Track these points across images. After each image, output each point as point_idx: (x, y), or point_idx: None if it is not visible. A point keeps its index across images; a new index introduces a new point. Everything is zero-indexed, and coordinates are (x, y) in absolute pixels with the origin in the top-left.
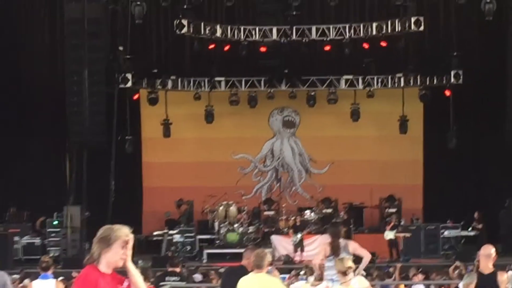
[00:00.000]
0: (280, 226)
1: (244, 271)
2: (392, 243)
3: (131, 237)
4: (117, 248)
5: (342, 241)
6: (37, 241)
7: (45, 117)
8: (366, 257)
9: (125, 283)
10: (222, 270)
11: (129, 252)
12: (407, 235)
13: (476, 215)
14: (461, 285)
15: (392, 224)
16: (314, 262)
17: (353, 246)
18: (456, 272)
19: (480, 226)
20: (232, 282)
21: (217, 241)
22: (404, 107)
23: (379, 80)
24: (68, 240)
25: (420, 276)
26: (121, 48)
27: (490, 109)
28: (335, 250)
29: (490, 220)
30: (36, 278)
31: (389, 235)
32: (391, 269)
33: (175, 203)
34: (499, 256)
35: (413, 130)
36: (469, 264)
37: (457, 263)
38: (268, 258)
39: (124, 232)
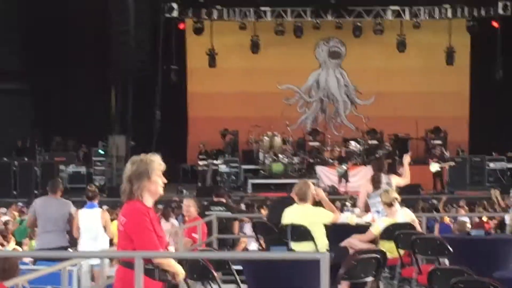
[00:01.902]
0: (325, 157)
1: (291, 202)
2: (438, 175)
3: (163, 167)
4: (156, 178)
5: (384, 176)
6: (82, 169)
7: (90, 47)
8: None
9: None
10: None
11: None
12: (452, 163)
13: None
14: (507, 217)
15: (438, 156)
16: (359, 205)
17: (396, 180)
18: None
19: None
20: (279, 212)
21: (262, 172)
22: (451, 38)
23: (426, 10)
24: (114, 169)
25: (466, 208)
26: None
27: None
28: (376, 185)
29: None
30: (82, 207)
31: (434, 167)
32: (434, 201)
33: (220, 133)
34: None
35: (460, 62)
36: (510, 196)
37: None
38: (312, 189)
39: (158, 161)
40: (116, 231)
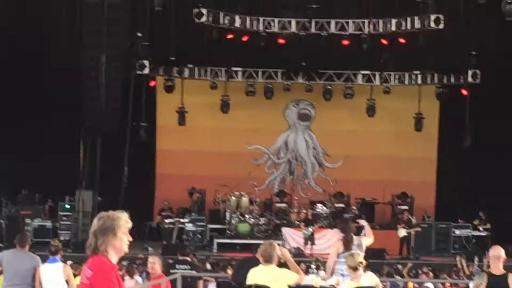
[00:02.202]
0: (291, 219)
1: (256, 262)
2: (405, 240)
3: (130, 225)
4: (122, 235)
5: (355, 238)
6: (48, 224)
7: (61, 102)
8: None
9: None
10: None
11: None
12: (419, 229)
13: (482, 215)
14: (471, 284)
15: (405, 221)
16: (328, 264)
17: (365, 241)
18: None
19: (486, 226)
20: (244, 272)
21: (228, 231)
22: (420, 104)
23: (396, 76)
24: (79, 224)
25: (430, 275)
26: (139, 34)
27: (506, 110)
28: (347, 246)
29: (503, 221)
30: (45, 261)
31: (402, 232)
32: (399, 266)
33: (187, 191)
34: (510, 256)
35: (428, 128)
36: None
37: (458, 258)
38: (277, 251)
39: (125, 219)
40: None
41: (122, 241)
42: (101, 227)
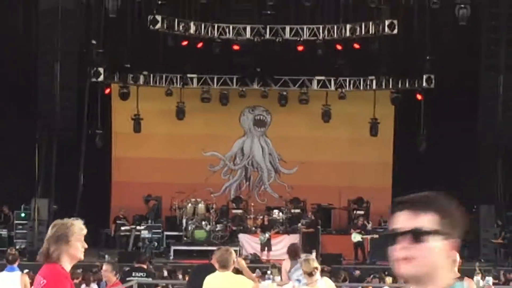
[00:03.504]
0: (248, 225)
1: (212, 269)
2: (359, 245)
3: (84, 232)
4: (76, 242)
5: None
6: (3, 232)
7: (15, 109)
8: None
9: None
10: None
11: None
12: (375, 236)
13: None
14: None
15: (360, 226)
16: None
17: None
18: None
19: None
20: (199, 280)
21: (185, 238)
22: (375, 109)
23: (351, 82)
24: (35, 232)
25: (387, 280)
26: (94, 41)
27: (461, 114)
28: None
29: None
30: (2, 270)
31: (356, 237)
32: (357, 271)
33: (143, 198)
34: (466, 261)
35: (384, 133)
36: None
37: None
38: (233, 257)
39: (79, 226)
40: None
41: (76, 248)
42: (54, 235)
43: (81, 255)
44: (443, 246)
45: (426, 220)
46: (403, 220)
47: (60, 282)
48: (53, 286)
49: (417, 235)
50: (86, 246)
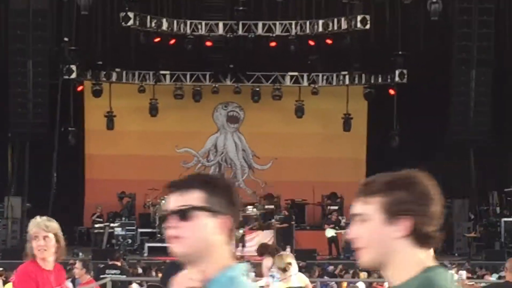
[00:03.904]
0: None
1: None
2: (333, 240)
3: (35, 230)
4: (32, 241)
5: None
6: None
7: None
8: None
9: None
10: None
11: (43, 242)
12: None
13: None
14: None
15: (333, 221)
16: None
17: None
18: None
19: None
20: (172, 275)
21: (159, 235)
22: (348, 105)
23: (324, 77)
24: (8, 231)
25: (362, 274)
26: (66, 39)
27: (434, 109)
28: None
29: None
30: None
31: (330, 232)
32: (331, 267)
33: (117, 195)
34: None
35: (357, 128)
36: None
37: None
38: None
39: (31, 226)
40: None
41: (31, 248)
42: (29, 233)
43: (37, 253)
44: (212, 224)
45: (192, 198)
46: (173, 201)
47: (23, 280)
48: (18, 282)
49: (183, 213)
50: (40, 244)
